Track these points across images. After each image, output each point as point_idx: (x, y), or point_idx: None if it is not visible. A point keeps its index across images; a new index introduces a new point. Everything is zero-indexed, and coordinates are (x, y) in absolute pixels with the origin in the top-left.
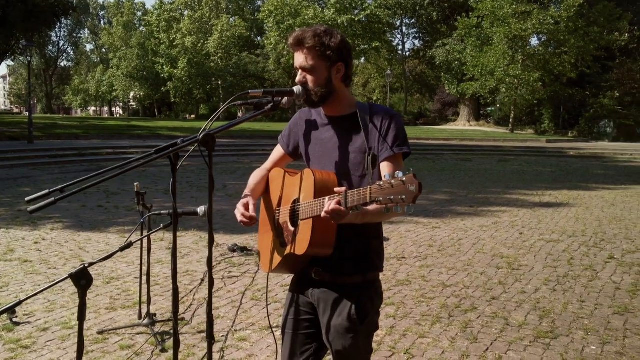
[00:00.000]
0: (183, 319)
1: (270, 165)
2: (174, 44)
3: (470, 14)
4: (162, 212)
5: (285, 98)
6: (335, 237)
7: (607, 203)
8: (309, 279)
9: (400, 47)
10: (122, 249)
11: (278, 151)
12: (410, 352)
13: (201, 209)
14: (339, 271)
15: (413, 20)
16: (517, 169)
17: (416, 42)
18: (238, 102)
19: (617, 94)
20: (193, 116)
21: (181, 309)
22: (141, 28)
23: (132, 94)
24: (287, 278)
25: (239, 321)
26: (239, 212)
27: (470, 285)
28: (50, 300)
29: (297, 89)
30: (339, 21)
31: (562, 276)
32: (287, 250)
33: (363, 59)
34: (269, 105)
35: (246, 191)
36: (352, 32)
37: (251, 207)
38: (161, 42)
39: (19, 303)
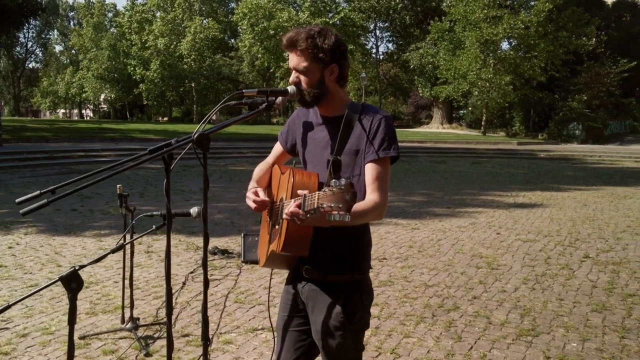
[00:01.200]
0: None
1: (272, 160)
2: (146, 45)
3: (443, 18)
4: (154, 213)
5: (279, 98)
6: (309, 240)
7: (579, 203)
8: (301, 277)
9: (374, 51)
10: (113, 251)
11: (277, 147)
12: (396, 351)
13: (194, 210)
14: (328, 270)
15: (387, 24)
16: (490, 171)
17: (390, 45)
18: (232, 102)
19: (585, 97)
20: (166, 119)
21: (164, 312)
22: (112, 29)
23: (102, 96)
24: (273, 279)
25: (224, 324)
26: (249, 199)
27: (452, 285)
28: (28, 305)
29: (291, 88)
30: (314, 24)
31: (540, 275)
32: (272, 247)
33: None
34: (263, 105)
35: (251, 183)
36: None
37: (261, 193)
38: (133, 43)
39: (8, 307)
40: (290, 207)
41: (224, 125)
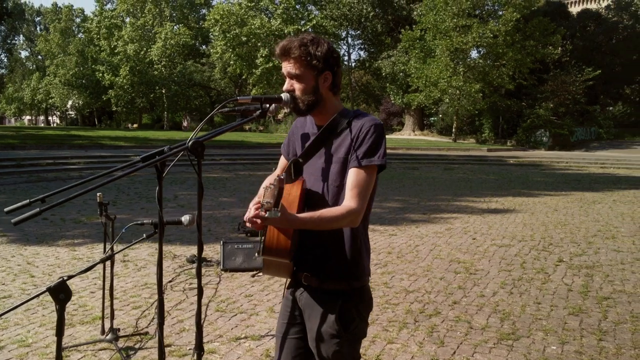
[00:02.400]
0: (147, 332)
1: (279, 172)
2: (116, 51)
3: (414, 26)
4: (145, 221)
5: (273, 105)
6: (287, 247)
7: (550, 209)
8: (299, 284)
9: (346, 58)
10: (103, 261)
11: (282, 160)
12: (380, 358)
13: (185, 218)
14: (325, 277)
15: (358, 32)
16: (462, 177)
17: (362, 53)
18: (225, 109)
19: (552, 105)
20: (135, 125)
21: (144, 322)
22: (80, 35)
23: (70, 103)
24: (251, 288)
25: (206, 333)
26: (250, 212)
27: (432, 290)
28: (2, 317)
29: (284, 96)
30: (286, 31)
31: (517, 279)
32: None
33: None
34: (257, 112)
35: (255, 198)
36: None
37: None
38: (102, 49)
39: None
40: (251, 210)
41: (218, 133)
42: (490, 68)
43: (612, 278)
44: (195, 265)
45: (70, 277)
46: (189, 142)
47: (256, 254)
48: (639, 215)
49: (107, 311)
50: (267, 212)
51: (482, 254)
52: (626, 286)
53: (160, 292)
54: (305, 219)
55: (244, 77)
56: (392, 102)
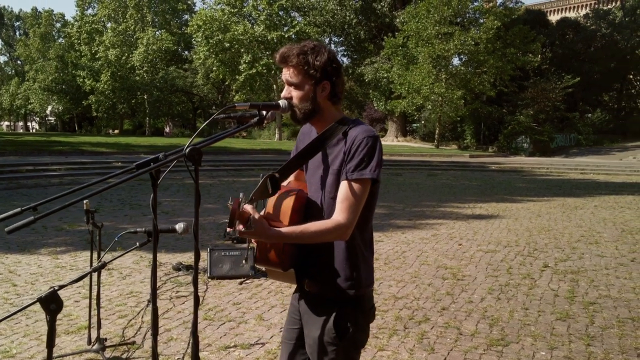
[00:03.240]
0: (134, 342)
1: (292, 178)
2: (97, 56)
3: (397, 34)
4: (138, 229)
5: (270, 111)
6: (279, 257)
7: (533, 214)
8: (302, 290)
9: None
10: (95, 270)
11: None
12: None
13: (179, 226)
14: (324, 284)
15: (341, 39)
16: (445, 183)
17: (345, 59)
18: (221, 115)
19: (532, 112)
20: (116, 131)
21: (130, 332)
22: (60, 40)
23: (49, 108)
24: (239, 295)
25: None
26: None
27: (420, 296)
28: None
29: (282, 102)
30: (269, 37)
31: (504, 285)
32: None
33: None
34: (255, 119)
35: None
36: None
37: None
38: (82, 54)
39: None
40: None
41: (214, 139)
42: (471, 75)
43: (597, 283)
44: (181, 272)
45: (61, 287)
46: (186, 149)
47: (243, 261)
48: (621, 220)
49: (93, 320)
50: (226, 233)
51: (468, 260)
52: (611, 291)
53: (154, 301)
54: (287, 233)
55: (227, 83)
56: (375, 108)
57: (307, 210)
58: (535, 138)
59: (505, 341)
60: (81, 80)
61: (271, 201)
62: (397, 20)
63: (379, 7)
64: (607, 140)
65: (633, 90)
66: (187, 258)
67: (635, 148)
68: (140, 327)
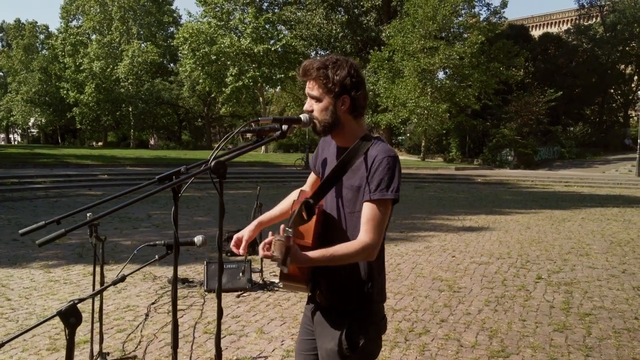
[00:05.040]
0: (135, 356)
1: (308, 187)
2: (81, 68)
3: (382, 48)
4: (157, 242)
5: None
6: (303, 275)
7: (522, 226)
8: (315, 302)
9: None
10: (114, 283)
11: (311, 175)
12: None
13: (198, 239)
14: (337, 296)
15: (328, 52)
16: (433, 195)
17: None
18: (245, 129)
19: (516, 125)
20: (100, 143)
21: (130, 346)
22: (44, 51)
23: (32, 120)
24: (237, 309)
25: (196, 356)
26: (233, 241)
27: (418, 308)
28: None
29: (304, 117)
30: (255, 50)
31: (500, 297)
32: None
33: (279, 87)
34: (277, 133)
35: (263, 215)
36: (269, 61)
37: (243, 244)
38: (66, 66)
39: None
40: (261, 248)
41: (238, 153)
42: (456, 89)
43: (591, 294)
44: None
45: (81, 300)
46: (211, 162)
47: (240, 274)
48: (609, 232)
49: (89, 335)
50: (278, 265)
51: (463, 272)
52: (605, 302)
53: (175, 314)
54: (318, 257)
55: (213, 95)
56: None
57: (326, 224)
58: (519, 151)
59: (505, 352)
60: (65, 92)
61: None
62: (383, 34)
63: (365, 21)
64: (590, 154)
65: (614, 104)
66: (182, 271)
67: (617, 161)
68: (140, 341)
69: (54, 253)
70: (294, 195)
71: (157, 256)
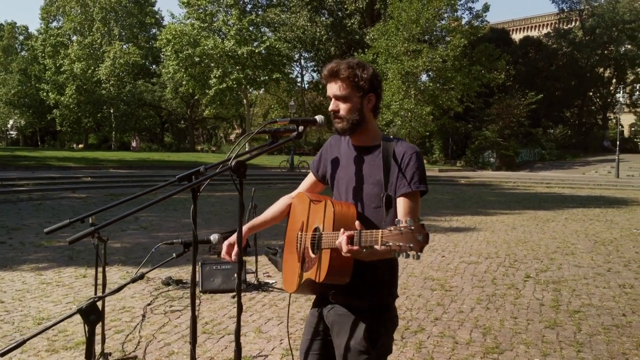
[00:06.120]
0: (136, 357)
1: (302, 189)
2: (61, 70)
3: (367, 50)
4: (175, 241)
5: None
6: (351, 268)
7: (508, 227)
8: (327, 301)
9: (299, 79)
10: (133, 280)
11: (310, 177)
12: None
13: (214, 237)
14: (353, 295)
15: (312, 54)
16: None
17: (314, 74)
18: (262, 130)
19: (498, 127)
20: (81, 145)
21: (129, 346)
22: (23, 52)
23: (10, 122)
24: (233, 309)
25: (196, 355)
26: (224, 249)
27: (412, 307)
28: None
29: (319, 118)
30: (239, 52)
31: (491, 295)
32: (307, 275)
33: (262, 89)
34: (294, 134)
35: (254, 219)
36: (253, 63)
37: (234, 251)
38: (46, 67)
39: (23, 342)
40: (342, 242)
41: (258, 153)
42: (439, 91)
43: (579, 292)
44: (170, 287)
45: (100, 297)
46: (231, 162)
47: (235, 275)
48: (592, 232)
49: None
50: (407, 255)
51: (453, 271)
52: (593, 300)
53: (194, 310)
54: (374, 251)
55: (196, 97)
56: None
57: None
58: (501, 153)
59: (500, 349)
60: (45, 93)
61: (333, 214)
62: (367, 37)
63: (349, 24)
64: (570, 155)
65: (593, 107)
66: (175, 272)
67: (597, 163)
68: (139, 342)
69: (43, 256)
70: (283, 200)
71: (174, 254)
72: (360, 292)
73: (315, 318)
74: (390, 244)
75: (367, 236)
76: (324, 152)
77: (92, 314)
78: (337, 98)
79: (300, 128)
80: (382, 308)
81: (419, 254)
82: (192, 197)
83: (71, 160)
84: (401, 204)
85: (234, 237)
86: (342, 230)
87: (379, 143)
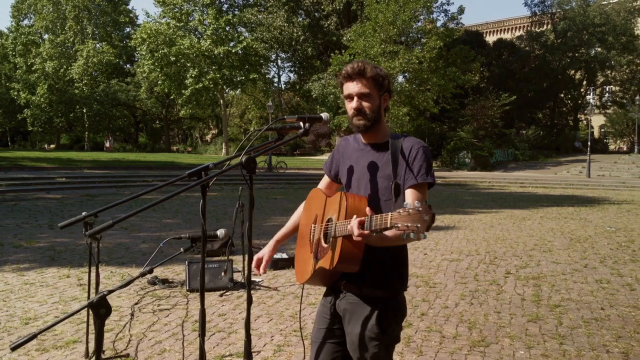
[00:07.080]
0: (128, 355)
1: (324, 188)
2: (33, 68)
3: (344, 51)
4: (182, 235)
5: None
6: (362, 256)
7: (486, 225)
8: (338, 291)
9: (276, 80)
10: (142, 275)
11: (325, 178)
12: None
13: (220, 232)
14: (364, 284)
15: (288, 55)
16: None
17: (291, 75)
18: (270, 127)
19: (472, 128)
20: (53, 146)
21: (120, 345)
22: None
23: None
24: (222, 307)
25: (188, 352)
26: (254, 262)
27: None
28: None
29: (324, 115)
30: (216, 52)
31: (474, 291)
32: (319, 264)
33: (239, 90)
34: (301, 131)
35: (282, 230)
36: (229, 63)
37: (263, 264)
38: (17, 66)
39: (34, 336)
40: (354, 225)
41: (267, 149)
42: (416, 92)
43: (558, 287)
44: (157, 286)
45: (110, 291)
46: (242, 158)
47: (222, 273)
48: (567, 230)
49: (80, 334)
50: (413, 234)
51: (436, 268)
52: (571, 294)
53: (203, 303)
54: (383, 236)
55: (172, 97)
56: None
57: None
58: (476, 153)
59: (485, 342)
60: (15, 93)
61: (346, 205)
62: (344, 38)
63: (326, 25)
64: (542, 156)
65: (564, 109)
66: (160, 272)
67: (569, 163)
68: (130, 340)
69: (24, 256)
70: (301, 208)
71: (182, 249)
72: (372, 282)
73: (326, 308)
74: (399, 224)
75: (378, 220)
76: (336, 152)
77: (102, 308)
78: (362, 96)
79: (307, 125)
80: (393, 298)
81: (425, 233)
82: (202, 193)
83: (45, 161)
84: (409, 195)
85: (262, 252)
86: (354, 217)
87: (388, 140)
